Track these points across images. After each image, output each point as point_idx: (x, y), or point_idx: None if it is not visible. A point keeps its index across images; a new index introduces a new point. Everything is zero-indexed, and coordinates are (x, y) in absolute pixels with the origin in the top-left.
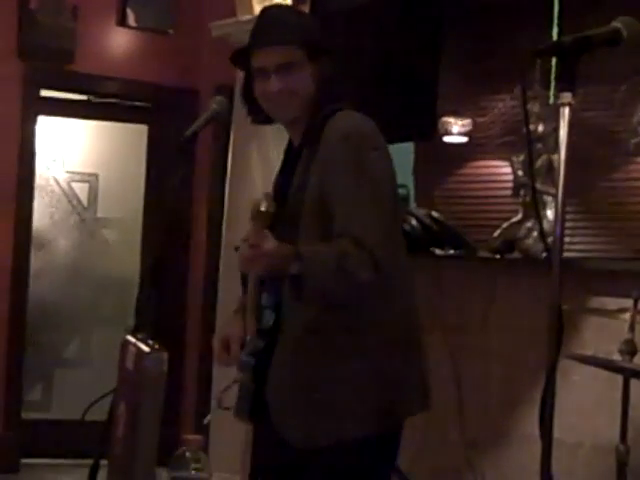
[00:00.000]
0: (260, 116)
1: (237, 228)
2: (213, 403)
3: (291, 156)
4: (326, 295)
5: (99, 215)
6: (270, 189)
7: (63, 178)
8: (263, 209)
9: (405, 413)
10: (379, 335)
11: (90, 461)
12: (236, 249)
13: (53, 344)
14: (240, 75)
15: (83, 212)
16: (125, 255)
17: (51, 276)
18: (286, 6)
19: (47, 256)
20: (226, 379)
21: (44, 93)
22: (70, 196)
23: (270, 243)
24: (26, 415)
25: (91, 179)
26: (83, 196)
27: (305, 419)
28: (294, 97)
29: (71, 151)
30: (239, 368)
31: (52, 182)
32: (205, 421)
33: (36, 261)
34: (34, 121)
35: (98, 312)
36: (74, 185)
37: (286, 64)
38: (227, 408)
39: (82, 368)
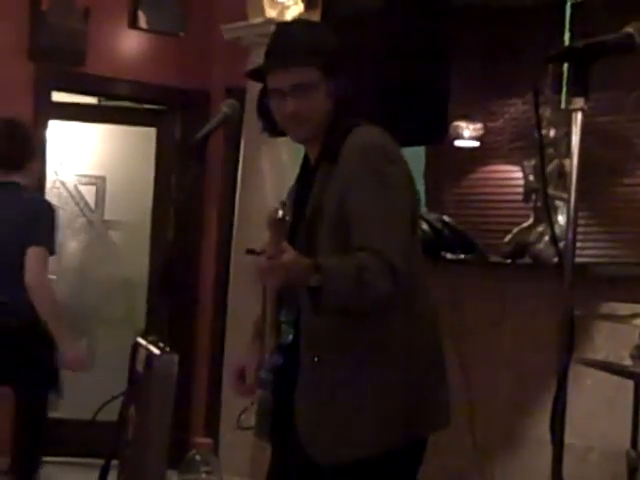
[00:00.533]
0: (275, 131)
1: (248, 231)
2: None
3: (308, 171)
4: (345, 307)
5: (106, 217)
6: (281, 192)
7: (71, 181)
8: (280, 217)
9: (429, 429)
10: (402, 349)
11: (97, 460)
12: (248, 252)
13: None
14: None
15: (90, 214)
16: (132, 257)
17: (59, 278)
18: (302, 21)
19: (55, 258)
20: (239, 399)
21: (55, 97)
22: (77, 199)
23: (288, 254)
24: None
25: (98, 182)
26: (90, 199)
27: (331, 435)
28: (308, 122)
29: (79, 154)
30: (258, 386)
31: (59, 185)
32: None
33: None
34: (45, 125)
35: (105, 314)
36: (81, 188)
37: (302, 85)
38: (247, 428)
39: (89, 369)
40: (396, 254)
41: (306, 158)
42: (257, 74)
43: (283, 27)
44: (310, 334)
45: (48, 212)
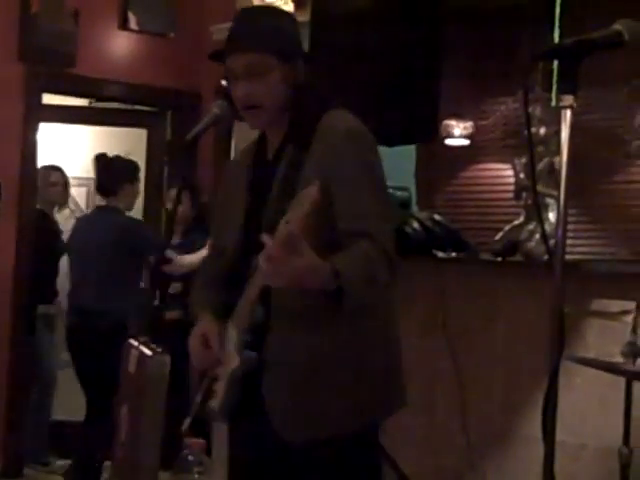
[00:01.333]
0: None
1: None
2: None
3: (266, 154)
4: (359, 303)
5: None
6: None
7: None
8: (319, 199)
9: (385, 413)
10: (375, 330)
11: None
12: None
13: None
14: None
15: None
16: None
17: None
18: (264, 7)
19: None
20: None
21: (46, 99)
22: (69, 200)
23: (303, 259)
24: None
25: (89, 183)
26: (81, 200)
27: (301, 414)
28: (260, 110)
29: (69, 156)
30: (241, 363)
31: None
32: (184, 426)
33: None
34: (36, 127)
35: None
36: (72, 190)
37: (253, 70)
38: (208, 412)
39: None
40: (390, 241)
41: (262, 138)
42: (219, 56)
43: (245, 11)
44: (281, 313)
45: (137, 228)
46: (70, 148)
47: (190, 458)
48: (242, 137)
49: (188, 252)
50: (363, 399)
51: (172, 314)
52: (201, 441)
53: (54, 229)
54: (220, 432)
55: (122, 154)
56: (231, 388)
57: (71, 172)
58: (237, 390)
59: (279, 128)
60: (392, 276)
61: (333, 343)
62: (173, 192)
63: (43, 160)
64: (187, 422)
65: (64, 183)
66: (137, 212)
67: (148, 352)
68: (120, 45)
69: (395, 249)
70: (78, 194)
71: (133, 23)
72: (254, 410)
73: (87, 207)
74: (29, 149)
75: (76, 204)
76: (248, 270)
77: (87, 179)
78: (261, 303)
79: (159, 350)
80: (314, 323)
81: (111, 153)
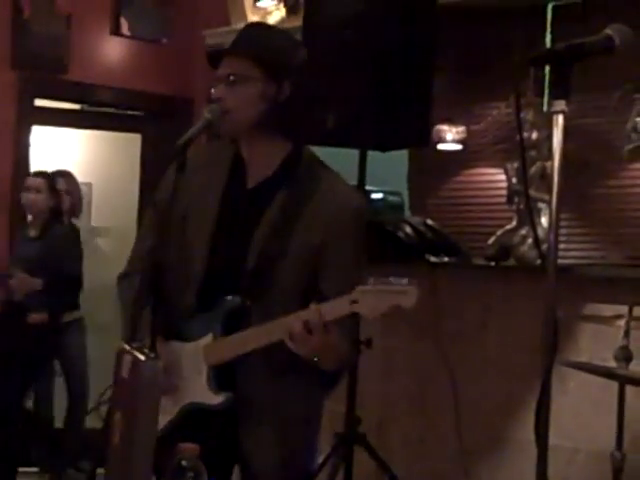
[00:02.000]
0: None
1: None
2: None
3: (245, 175)
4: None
5: (93, 224)
6: None
7: None
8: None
9: None
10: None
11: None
12: None
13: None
14: None
15: (77, 221)
16: (119, 264)
17: None
18: (267, 24)
19: None
20: None
21: (38, 102)
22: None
23: (332, 337)
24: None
25: (84, 188)
26: None
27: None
28: (228, 115)
29: (65, 160)
30: (225, 401)
31: None
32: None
33: None
34: (28, 130)
35: (94, 320)
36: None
37: (232, 76)
38: None
39: None
40: None
41: (238, 159)
42: (214, 58)
43: (250, 25)
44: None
45: None
46: (64, 152)
47: (184, 463)
48: None
49: (49, 247)
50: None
51: (36, 317)
52: (195, 446)
53: None
54: None
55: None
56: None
57: None
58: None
59: (260, 156)
60: None
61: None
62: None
63: (38, 165)
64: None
65: (42, 189)
66: (132, 217)
67: (141, 357)
68: (112, 51)
69: None
70: None
71: (125, 28)
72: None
73: (83, 212)
74: (22, 154)
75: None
76: (218, 292)
77: (83, 184)
78: None
79: (152, 355)
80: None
81: (108, 159)
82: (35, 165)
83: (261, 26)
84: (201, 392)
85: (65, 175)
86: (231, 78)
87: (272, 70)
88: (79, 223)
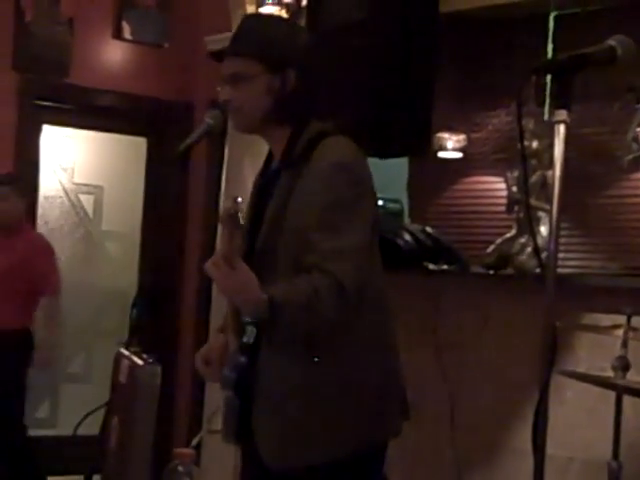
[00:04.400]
0: None
1: None
2: (204, 426)
3: (268, 174)
4: (295, 336)
5: (104, 228)
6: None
7: (71, 189)
8: (232, 212)
9: (386, 434)
10: (360, 351)
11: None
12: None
13: (58, 359)
14: None
15: (89, 224)
16: (127, 268)
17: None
18: (263, 16)
19: None
20: (215, 402)
21: (41, 104)
22: (78, 208)
23: (240, 274)
24: (33, 432)
25: (97, 191)
26: (89, 208)
27: (280, 440)
28: (238, 113)
29: (79, 162)
30: (222, 385)
31: (62, 193)
32: (194, 442)
33: None
34: (32, 132)
35: (103, 326)
36: (81, 197)
37: (236, 76)
38: (216, 431)
39: (87, 383)
40: (350, 278)
41: (270, 155)
42: (217, 58)
43: (244, 18)
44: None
45: None
46: (78, 154)
47: (180, 468)
48: (235, 146)
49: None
50: (348, 427)
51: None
52: (191, 451)
53: None
54: (211, 444)
55: None
56: (226, 411)
57: (78, 179)
58: (231, 413)
59: (279, 143)
60: (343, 312)
61: (318, 371)
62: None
63: (48, 166)
64: (197, 438)
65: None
66: (136, 221)
67: (139, 362)
68: (114, 55)
69: (358, 287)
70: (86, 202)
71: (127, 33)
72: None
73: (94, 216)
74: (23, 157)
75: (85, 212)
76: None
77: (95, 186)
78: (253, 324)
79: (150, 360)
80: (300, 350)
81: (114, 162)
82: (47, 167)
83: (258, 18)
84: None
85: (4, 182)
86: (234, 78)
87: (273, 63)
88: (90, 227)
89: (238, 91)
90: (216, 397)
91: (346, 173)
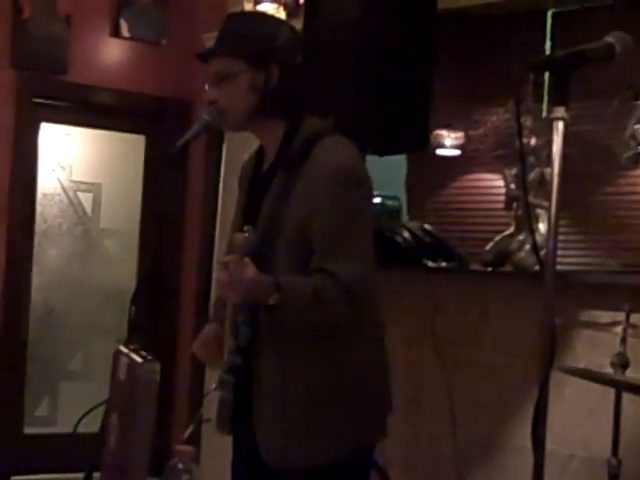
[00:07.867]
0: None
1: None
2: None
3: (261, 173)
4: (301, 325)
5: (102, 226)
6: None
7: (69, 187)
8: (246, 239)
9: (383, 434)
10: (359, 350)
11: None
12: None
13: (57, 357)
14: None
15: (88, 222)
16: (126, 266)
17: (57, 287)
18: (245, 13)
19: (53, 267)
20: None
21: (38, 102)
22: (76, 206)
23: (249, 271)
24: (32, 430)
25: (95, 189)
26: (88, 207)
27: (283, 441)
28: (224, 114)
29: (78, 160)
30: (219, 387)
31: (60, 191)
32: (186, 435)
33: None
34: (27, 131)
35: (101, 323)
36: (80, 195)
37: (220, 75)
38: (208, 420)
39: (87, 381)
40: (356, 282)
41: (260, 148)
42: (204, 58)
43: (229, 17)
44: (269, 332)
45: None
46: (76, 152)
47: (179, 466)
48: (234, 144)
49: None
50: (349, 428)
51: None
52: (191, 448)
53: None
54: (211, 440)
55: None
56: (220, 408)
57: (77, 176)
58: (225, 410)
59: (272, 141)
60: (351, 311)
61: (317, 373)
62: None
63: (46, 164)
64: (188, 431)
65: None
66: (134, 219)
67: (138, 359)
68: (112, 52)
69: (364, 291)
70: (84, 200)
71: (125, 30)
72: (248, 428)
73: (93, 214)
74: (21, 155)
75: (83, 210)
76: None
77: (93, 184)
78: (249, 324)
79: (149, 357)
80: (298, 352)
81: (113, 159)
82: (45, 165)
83: (240, 17)
84: None
85: None
86: (218, 77)
87: (256, 59)
88: (89, 225)
89: (222, 90)
90: (215, 396)
91: (350, 176)
